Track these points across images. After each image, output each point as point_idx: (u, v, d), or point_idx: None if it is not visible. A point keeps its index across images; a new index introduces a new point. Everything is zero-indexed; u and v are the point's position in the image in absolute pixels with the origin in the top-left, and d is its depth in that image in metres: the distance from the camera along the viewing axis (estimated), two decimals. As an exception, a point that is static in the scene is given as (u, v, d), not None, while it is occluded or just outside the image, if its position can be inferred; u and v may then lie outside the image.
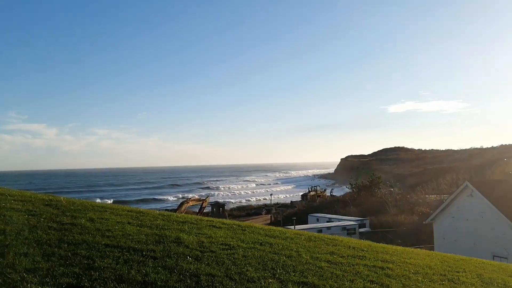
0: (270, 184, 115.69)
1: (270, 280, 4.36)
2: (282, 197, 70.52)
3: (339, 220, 41.33)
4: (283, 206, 61.01)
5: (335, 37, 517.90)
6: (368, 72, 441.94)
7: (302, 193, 71.01)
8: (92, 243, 5.03)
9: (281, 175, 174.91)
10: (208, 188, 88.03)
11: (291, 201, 67.01)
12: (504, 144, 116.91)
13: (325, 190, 73.34)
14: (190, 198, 53.69)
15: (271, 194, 67.35)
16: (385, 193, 53.37)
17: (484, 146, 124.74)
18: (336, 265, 5.54)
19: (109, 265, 4.22)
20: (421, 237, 34.10)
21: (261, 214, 56.44)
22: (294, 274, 4.74)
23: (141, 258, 4.55)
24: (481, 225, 21.49)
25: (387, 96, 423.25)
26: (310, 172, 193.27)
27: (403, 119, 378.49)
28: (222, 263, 4.76)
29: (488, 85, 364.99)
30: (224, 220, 8.14)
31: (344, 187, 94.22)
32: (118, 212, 7.23)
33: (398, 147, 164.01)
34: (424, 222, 28.09)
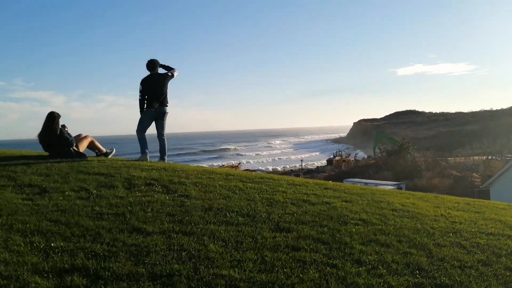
0: (292, 149, 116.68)
1: None
2: (307, 163, 71.59)
3: (376, 184, 42.43)
4: (310, 171, 62.21)
5: (343, 0, 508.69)
6: (375, 35, 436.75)
7: (327, 159, 72.01)
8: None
9: (296, 139, 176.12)
10: (238, 154, 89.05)
11: (317, 166, 68.13)
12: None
13: (349, 154, 74.34)
14: (224, 166, 54.98)
15: (301, 160, 68.65)
16: (416, 156, 54.73)
17: (494, 108, 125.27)
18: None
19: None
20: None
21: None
22: None
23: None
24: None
25: (395, 59, 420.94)
26: (322, 137, 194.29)
27: (412, 82, 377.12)
28: None
29: (495, 47, 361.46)
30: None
31: (359, 151, 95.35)
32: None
33: (410, 110, 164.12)
34: (481, 187, 29.22)
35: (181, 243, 3.69)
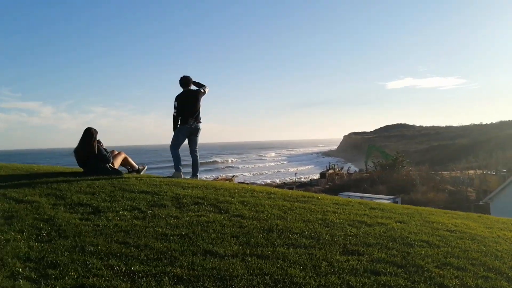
0: (284, 162, 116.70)
1: None
2: (300, 176, 71.56)
3: (371, 198, 42.52)
4: (304, 184, 62.20)
5: (333, 13, 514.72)
6: (365, 48, 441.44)
7: (320, 172, 72.12)
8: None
9: (286, 152, 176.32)
10: (231, 167, 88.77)
11: (310, 180, 68.15)
12: (503, 120, 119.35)
13: (342, 168, 74.58)
14: (218, 178, 54.77)
15: (296, 173, 68.67)
16: (411, 170, 55.09)
17: (484, 122, 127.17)
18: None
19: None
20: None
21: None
22: None
23: None
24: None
25: (385, 73, 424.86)
26: (313, 150, 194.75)
27: (402, 95, 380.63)
28: None
29: (485, 61, 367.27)
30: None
31: (350, 164, 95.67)
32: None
33: (400, 124, 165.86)
34: (481, 202, 29.39)
35: (260, 267, 3.64)
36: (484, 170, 48.37)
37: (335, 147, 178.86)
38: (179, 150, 8.02)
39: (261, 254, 3.94)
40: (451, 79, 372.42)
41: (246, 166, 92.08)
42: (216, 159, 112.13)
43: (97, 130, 7.24)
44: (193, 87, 8.13)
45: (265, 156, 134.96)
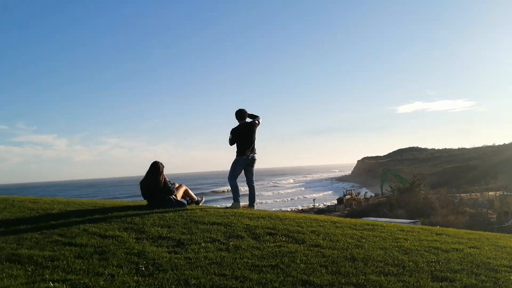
0: (299, 188, 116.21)
1: None
2: (318, 202, 71.24)
3: (392, 223, 42.16)
4: (322, 211, 61.78)
5: (342, 40, 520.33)
6: (373, 73, 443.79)
7: (337, 197, 71.69)
8: None
9: (300, 178, 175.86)
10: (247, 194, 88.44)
11: (327, 206, 67.75)
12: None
13: (359, 193, 74.19)
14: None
15: (314, 199, 68.40)
16: (429, 193, 54.61)
17: (496, 144, 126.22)
18: None
19: None
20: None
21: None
22: None
23: None
24: None
25: (395, 97, 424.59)
26: (326, 176, 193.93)
27: (412, 119, 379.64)
28: None
29: (493, 83, 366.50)
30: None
31: (364, 189, 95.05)
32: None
33: (413, 147, 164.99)
34: (507, 224, 29.17)
35: (362, 296, 3.74)
36: (503, 191, 47.76)
37: (349, 172, 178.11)
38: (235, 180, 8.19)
39: (356, 283, 4.04)
40: (460, 101, 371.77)
41: (263, 193, 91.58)
42: (228, 188, 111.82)
43: (163, 164, 7.47)
44: (248, 120, 8.35)
45: (279, 182, 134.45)
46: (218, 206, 8.68)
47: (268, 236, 5.56)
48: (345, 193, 71.28)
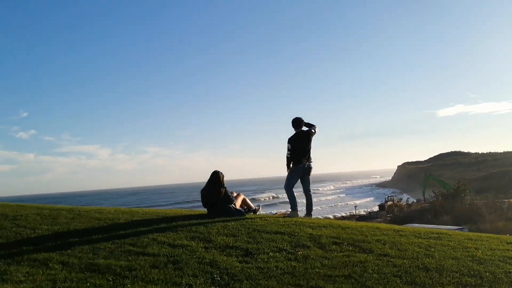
0: (338, 195, 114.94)
1: None
2: (359, 209, 70.22)
3: (441, 229, 41.00)
4: (363, 217, 60.83)
5: (379, 42, 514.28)
6: (412, 77, 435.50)
7: (379, 204, 70.49)
8: None
9: (339, 185, 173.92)
10: (285, 202, 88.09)
11: (369, 212, 66.72)
12: None
13: (401, 199, 72.76)
14: (276, 214, 54.31)
15: (355, 206, 67.49)
16: (476, 199, 52.94)
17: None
18: None
19: None
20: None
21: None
22: None
23: None
24: None
25: (434, 100, 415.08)
26: (366, 182, 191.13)
27: (453, 122, 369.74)
28: None
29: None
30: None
31: (405, 194, 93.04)
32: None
33: (455, 152, 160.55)
34: None
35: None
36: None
37: (389, 178, 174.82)
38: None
39: (434, 294, 3.97)
40: (505, 103, 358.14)
41: (303, 200, 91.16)
42: (268, 194, 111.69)
43: (223, 173, 7.58)
44: (304, 128, 8.36)
45: (319, 189, 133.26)
46: (263, 212, 8.69)
47: (334, 246, 5.53)
48: (386, 199, 69.97)
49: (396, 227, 7.21)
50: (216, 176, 7.48)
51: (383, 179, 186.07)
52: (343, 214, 64.84)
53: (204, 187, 7.54)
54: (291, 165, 8.20)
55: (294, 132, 8.29)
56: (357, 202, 79.70)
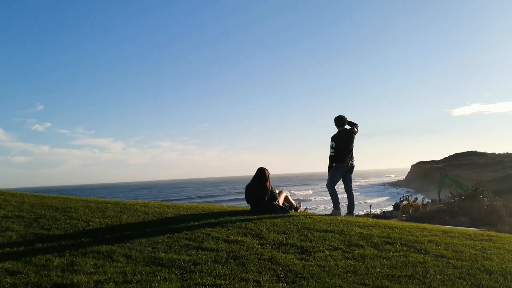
0: (356, 194, 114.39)
1: None
2: (375, 209, 69.91)
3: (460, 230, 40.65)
4: (377, 216, 60.54)
5: (392, 40, 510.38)
6: (427, 75, 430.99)
7: (393, 203, 70.10)
8: None
9: (355, 183, 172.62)
10: (304, 200, 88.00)
11: (383, 211, 66.38)
12: None
13: (416, 199, 72.24)
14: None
15: (370, 205, 67.21)
16: (495, 201, 52.36)
17: None
18: None
19: None
20: None
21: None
22: None
23: None
24: None
25: (450, 99, 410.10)
26: (379, 180, 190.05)
27: (470, 122, 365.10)
28: None
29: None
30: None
31: (419, 194, 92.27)
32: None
33: (471, 152, 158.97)
34: None
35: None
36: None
37: (402, 177, 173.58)
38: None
39: (503, 297, 3.95)
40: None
41: (318, 198, 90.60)
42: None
43: (268, 170, 7.61)
44: (347, 127, 8.35)
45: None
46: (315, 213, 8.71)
47: (387, 245, 5.53)
48: (401, 199, 69.53)
49: (444, 228, 7.19)
50: (262, 172, 7.52)
51: (397, 178, 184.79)
52: (360, 213, 64.66)
53: (250, 183, 7.59)
54: (334, 164, 8.19)
55: (337, 130, 8.28)
56: (372, 201, 79.42)
